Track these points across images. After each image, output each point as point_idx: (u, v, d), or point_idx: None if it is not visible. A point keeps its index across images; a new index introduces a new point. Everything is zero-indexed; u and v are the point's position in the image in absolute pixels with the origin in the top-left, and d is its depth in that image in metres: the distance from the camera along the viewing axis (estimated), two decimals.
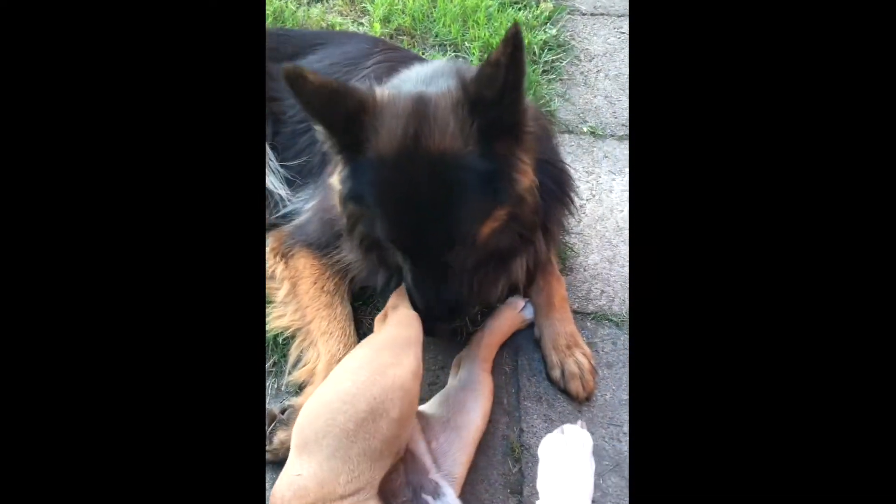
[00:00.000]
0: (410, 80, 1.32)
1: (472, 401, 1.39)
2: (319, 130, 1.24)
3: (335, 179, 1.31)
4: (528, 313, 1.65)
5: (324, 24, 2.54)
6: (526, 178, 1.23)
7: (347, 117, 1.17)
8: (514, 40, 1.06)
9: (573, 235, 1.89)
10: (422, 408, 1.40)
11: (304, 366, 1.51)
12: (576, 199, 1.60)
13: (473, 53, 2.37)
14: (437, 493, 1.13)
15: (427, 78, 1.31)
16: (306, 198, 1.73)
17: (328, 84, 1.15)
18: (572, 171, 1.64)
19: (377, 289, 1.60)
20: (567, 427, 1.26)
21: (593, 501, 1.39)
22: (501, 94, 1.12)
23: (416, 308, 1.35)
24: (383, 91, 1.23)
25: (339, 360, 1.45)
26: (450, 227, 1.20)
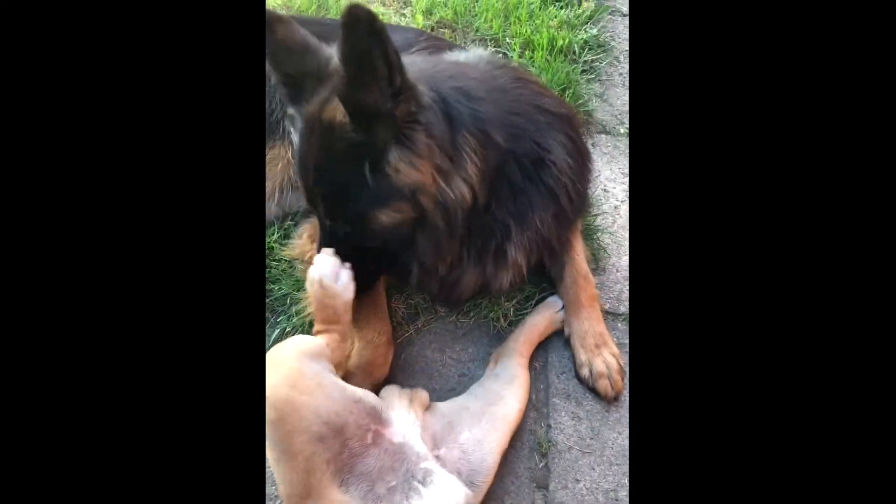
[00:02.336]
0: None
1: (508, 394, 1.42)
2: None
3: None
4: None
5: None
6: (412, 176, 1.21)
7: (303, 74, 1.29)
8: (346, 20, 1.02)
9: (607, 236, 1.90)
10: (460, 398, 1.43)
11: None
12: (570, 201, 1.52)
13: (514, 49, 2.38)
14: (426, 480, 1.16)
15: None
16: None
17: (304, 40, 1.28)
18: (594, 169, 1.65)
19: (429, 296, 1.64)
20: None
21: (617, 501, 1.41)
22: (353, 79, 1.11)
23: None
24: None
25: (375, 346, 1.48)
26: (323, 192, 1.29)
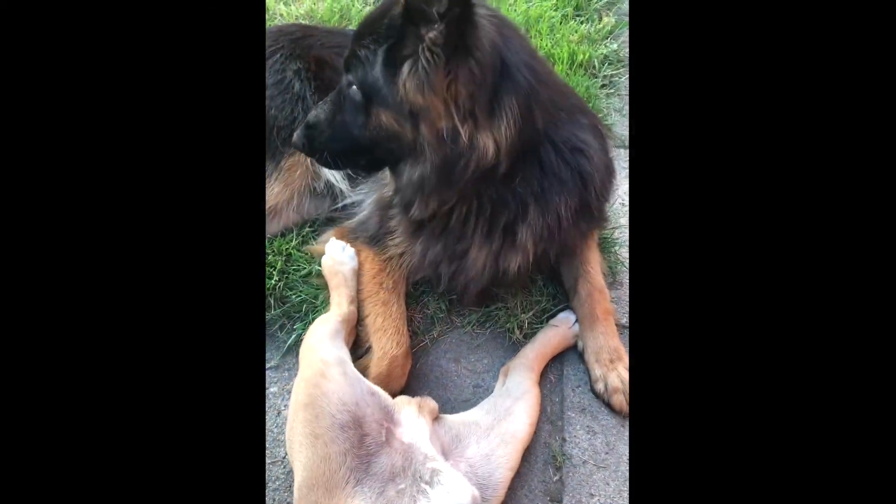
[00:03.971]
0: None
1: (519, 410, 1.41)
2: None
3: None
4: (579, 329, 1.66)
5: None
6: (417, 99, 1.23)
7: None
8: None
9: (624, 250, 1.90)
10: (469, 412, 1.43)
11: (358, 360, 1.53)
12: (596, 195, 1.52)
13: None
14: (433, 480, 1.16)
15: None
16: (366, 191, 1.77)
17: None
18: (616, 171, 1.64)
19: (436, 280, 1.62)
20: None
21: None
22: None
23: None
24: None
25: (392, 358, 1.48)
26: (358, 51, 1.30)
